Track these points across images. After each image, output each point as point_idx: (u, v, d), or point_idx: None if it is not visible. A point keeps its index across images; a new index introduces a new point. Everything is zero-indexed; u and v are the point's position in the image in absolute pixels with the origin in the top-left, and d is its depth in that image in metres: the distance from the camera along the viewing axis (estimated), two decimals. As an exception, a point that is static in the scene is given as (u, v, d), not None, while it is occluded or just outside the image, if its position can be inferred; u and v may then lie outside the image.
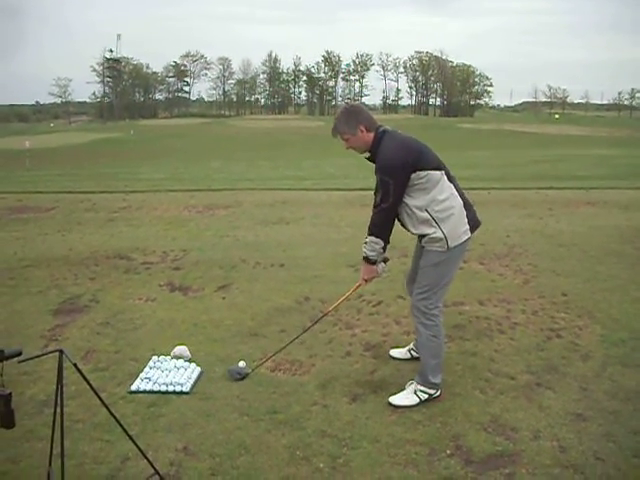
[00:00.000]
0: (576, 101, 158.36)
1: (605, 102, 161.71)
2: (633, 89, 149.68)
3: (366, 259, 4.50)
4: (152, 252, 8.75)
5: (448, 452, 3.81)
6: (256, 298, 6.64)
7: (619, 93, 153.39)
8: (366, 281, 4.67)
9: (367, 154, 4.43)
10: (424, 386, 4.41)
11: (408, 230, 4.48)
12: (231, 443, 3.90)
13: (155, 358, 5.05)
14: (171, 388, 4.58)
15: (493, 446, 3.85)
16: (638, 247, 8.74)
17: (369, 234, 4.41)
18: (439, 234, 4.28)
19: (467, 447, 3.84)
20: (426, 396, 4.39)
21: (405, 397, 4.41)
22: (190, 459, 3.75)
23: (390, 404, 4.35)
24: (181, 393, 4.55)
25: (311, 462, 3.71)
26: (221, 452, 3.81)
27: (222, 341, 5.53)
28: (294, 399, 4.44)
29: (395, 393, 4.47)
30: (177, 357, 5.08)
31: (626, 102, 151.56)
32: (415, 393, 4.41)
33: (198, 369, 4.89)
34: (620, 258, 8.14)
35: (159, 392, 4.56)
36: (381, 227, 4.38)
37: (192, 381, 4.69)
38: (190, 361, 5.03)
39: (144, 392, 4.57)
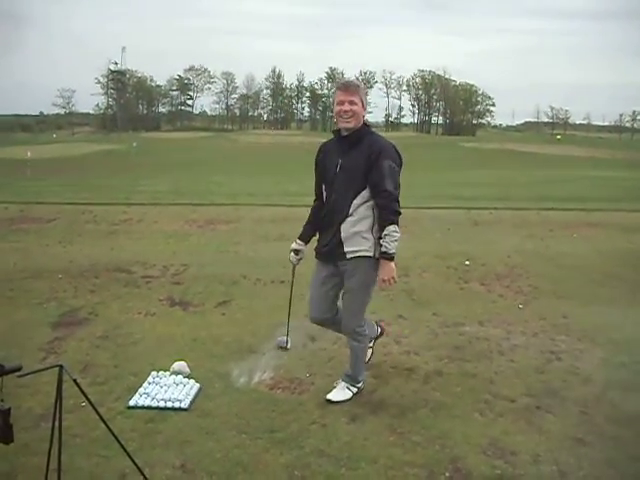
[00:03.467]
0: (578, 122, 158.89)
1: (607, 124, 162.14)
2: (634, 111, 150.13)
3: (390, 256, 4.31)
4: (152, 266, 8.75)
5: (447, 475, 3.77)
6: (256, 314, 6.63)
7: (620, 115, 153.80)
8: (389, 282, 4.41)
9: (346, 132, 4.38)
10: (354, 385, 4.72)
11: (340, 244, 4.42)
12: (229, 461, 3.87)
13: (154, 373, 5.02)
14: (169, 404, 4.55)
15: (492, 469, 3.81)
16: (639, 270, 8.74)
17: (390, 223, 4.27)
18: (372, 250, 4.36)
19: (466, 470, 3.81)
20: (356, 390, 4.71)
21: (339, 394, 4.67)
22: (187, 477, 3.71)
23: (329, 401, 4.61)
24: (179, 409, 4.52)
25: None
26: (219, 470, 3.77)
27: (221, 357, 5.51)
28: (293, 418, 4.41)
29: (395, 414, 4.45)
30: (176, 373, 5.05)
31: (627, 124, 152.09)
32: (348, 389, 4.70)
33: (197, 385, 4.86)
34: (621, 281, 8.15)
35: (157, 408, 4.53)
36: (399, 214, 4.34)
37: (191, 397, 4.66)
38: (189, 377, 5.00)
39: (142, 407, 4.54)
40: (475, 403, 4.67)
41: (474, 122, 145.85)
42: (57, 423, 2.81)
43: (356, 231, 4.34)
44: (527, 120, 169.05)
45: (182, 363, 5.17)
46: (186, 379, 4.94)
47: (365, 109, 4.40)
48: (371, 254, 4.35)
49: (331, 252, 4.47)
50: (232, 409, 4.54)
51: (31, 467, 3.71)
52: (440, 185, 25.49)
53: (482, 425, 4.35)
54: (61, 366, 2.78)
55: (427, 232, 12.05)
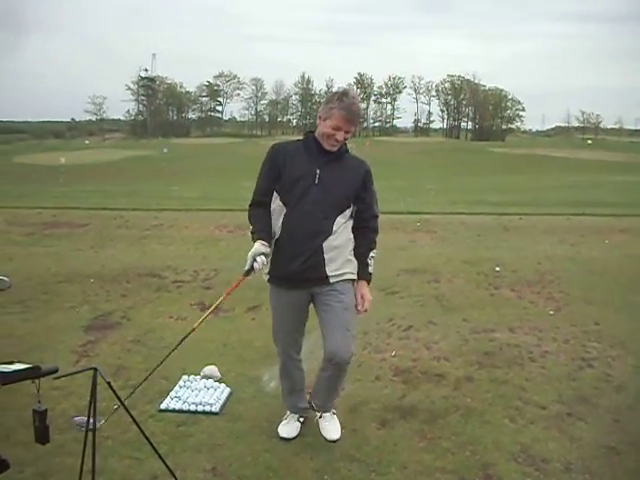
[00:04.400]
0: (609, 126, 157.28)
1: (639, 128, 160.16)
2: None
3: (370, 278, 4.11)
4: (183, 271, 8.81)
5: (478, 481, 3.77)
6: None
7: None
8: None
9: (333, 149, 3.88)
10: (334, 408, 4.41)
11: (321, 265, 3.89)
12: (259, 465, 3.90)
13: (185, 377, 5.08)
14: (200, 408, 4.60)
15: (523, 477, 3.80)
16: (672, 277, 8.63)
17: (374, 247, 4.10)
18: (355, 273, 4.04)
19: (497, 477, 3.79)
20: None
21: (336, 426, 4.32)
22: (218, 480, 3.75)
23: (335, 441, 4.21)
24: (210, 413, 4.56)
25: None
26: (249, 474, 3.80)
27: (252, 362, 5.54)
28: (323, 422, 4.42)
29: (425, 420, 4.45)
30: (207, 377, 5.10)
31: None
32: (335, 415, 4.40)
33: (228, 389, 4.90)
34: (654, 288, 8.04)
35: (188, 411, 4.58)
36: None
37: (221, 401, 4.70)
38: (220, 381, 5.05)
39: (173, 411, 4.59)
40: (506, 409, 4.64)
41: (503, 127, 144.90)
42: (91, 425, 2.84)
43: (341, 252, 3.92)
44: (557, 125, 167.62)
45: (213, 367, 5.22)
46: (217, 383, 4.98)
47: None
48: (355, 277, 4.02)
49: (307, 274, 3.88)
50: (262, 413, 4.56)
51: (66, 467, 3.77)
52: (469, 191, 25.36)
53: (513, 432, 4.33)
54: (95, 369, 2.82)
55: (457, 238, 11.98)
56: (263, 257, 3.78)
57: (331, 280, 3.91)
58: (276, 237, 3.92)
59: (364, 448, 4.09)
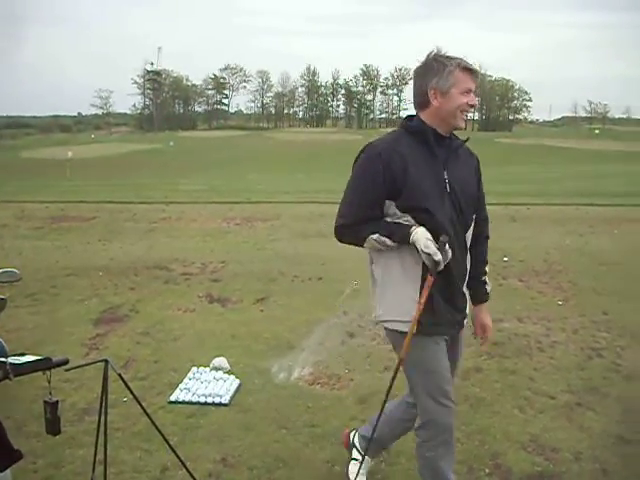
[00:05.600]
0: (617, 116, 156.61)
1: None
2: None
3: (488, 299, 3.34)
4: (191, 263, 8.84)
5: (487, 471, 3.76)
6: (294, 311, 6.66)
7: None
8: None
9: (444, 132, 2.94)
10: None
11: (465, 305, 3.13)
12: (269, 456, 3.91)
13: (194, 369, 5.09)
14: (210, 399, 4.61)
15: (533, 466, 3.79)
16: (681, 266, 8.60)
17: (487, 260, 3.31)
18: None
19: (506, 467, 3.79)
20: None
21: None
22: (228, 470, 3.76)
23: None
24: (220, 405, 4.57)
25: (349, 477, 3.69)
26: (259, 464, 3.81)
27: (261, 353, 5.55)
28: (332, 413, 4.43)
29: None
30: (216, 368, 5.11)
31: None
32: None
33: (237, 381, 4.91)
34: (663, 277, 8.02)
35: (198, 403, 4.59)
36: None
37: (231, 393, 4.71)
38: (229, 373, 5.06)
39: (183, 403, 4.60)
40: (515, 399, 4.64)
41: (510, 118, 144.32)
42: (103, 417, 2.86)
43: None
44: (564, 115, 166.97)
45: (222, 359, 5.23)
46: (226, 375, 4.99)
47: None
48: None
49: (457, 319, 3.06)
50: (272, 404, 4.57)
51: (77, 458, 3.81)
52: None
53: (522, 421, 4.32)
54: (106, 360, 2.83)
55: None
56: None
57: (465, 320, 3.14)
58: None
59: (373, 438, 4.10)
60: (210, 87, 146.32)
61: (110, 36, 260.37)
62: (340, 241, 3.02)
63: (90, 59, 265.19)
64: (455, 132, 3.01)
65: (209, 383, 4.82)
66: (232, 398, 4.67)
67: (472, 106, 2.89)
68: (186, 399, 4.63)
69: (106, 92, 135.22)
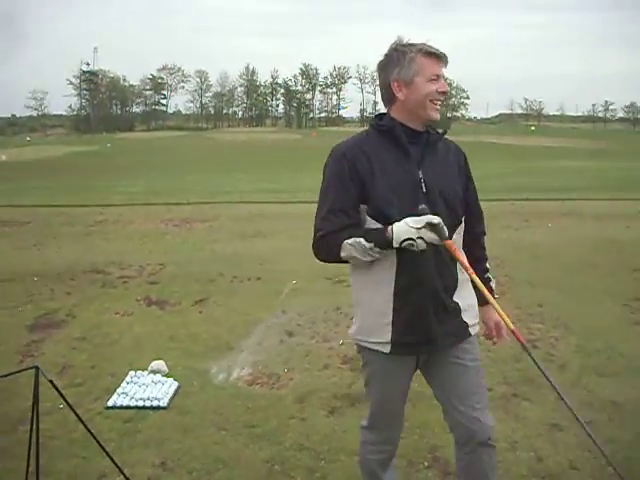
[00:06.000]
0: (552, 113, 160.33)
1: (580, 114, 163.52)
2: (607, 101, 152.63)
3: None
4: (129, 266, 8.72)
5: (426, 464, 3.81)
6: (233, 311, 6.64)
7: (593, 105, 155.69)
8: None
9: (419, 126, 2.66)
10: None
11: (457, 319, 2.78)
12: (208, 458, 3.88)
13: (132, 373, 5.02)
14: (148, 403, 4.55)
15: (470, 457, 3.85)
16: (612, 258, 8.85)
17: (486, 255, 3.10)
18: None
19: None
20: None
21: None
22: (167, 474, 3.71)
23: None
24: (158, 408, 4.52)
25: (289, 476, 3.69)
26: (198, 467, 3.78)
27: (199, 355, 5.51)
28: (272, 413, 4.42)
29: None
30: (154, 372, 5.05)
31: (600, 114, 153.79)
32: None
33: (175, 384, 4.86)
34: (595, 269, 8.24)
35: (136, 407, 4.52)
36: None
37: (169, 396, 4.66)
38: (167, 376, 5.00)
39: (121, 407, 4.53)
40: (453, 393, 4.69)
41: (448, 115, 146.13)
42: (35, 426, 2.80)
43: (471, 292, 2.83)
44: (501, 112, 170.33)
45: (160, 362, 5.17)
46: (164, 378, 4.94)
47: None
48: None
49: (439, 334, 2.68)
50: (211, 406, 4.54)
51: (10, 471, 3.69)
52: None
53: (460, 414, 4.38)
54: (37, 367, 2.77)
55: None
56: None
57: (471, 332, 2.84)
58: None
59: (313, 437, 4.10)
60: (148, 87, 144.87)
61: (45, 35, 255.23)
62: (317, 257, 2.68)
63: (24, 59, 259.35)
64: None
65: (147, 387, 4.76)
66: (170, 401, 4.62)
67: (443, 93, 2.60)
68: (124, 404, 4.56)
69: (41, 93, 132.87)
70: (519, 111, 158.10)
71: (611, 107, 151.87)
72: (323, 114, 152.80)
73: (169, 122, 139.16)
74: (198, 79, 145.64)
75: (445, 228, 2.40)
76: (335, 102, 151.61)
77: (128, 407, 4.53)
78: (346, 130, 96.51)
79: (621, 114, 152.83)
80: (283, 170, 31.75)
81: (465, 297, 2.79)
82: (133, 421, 4.34)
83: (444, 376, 2.86)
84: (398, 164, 2.59)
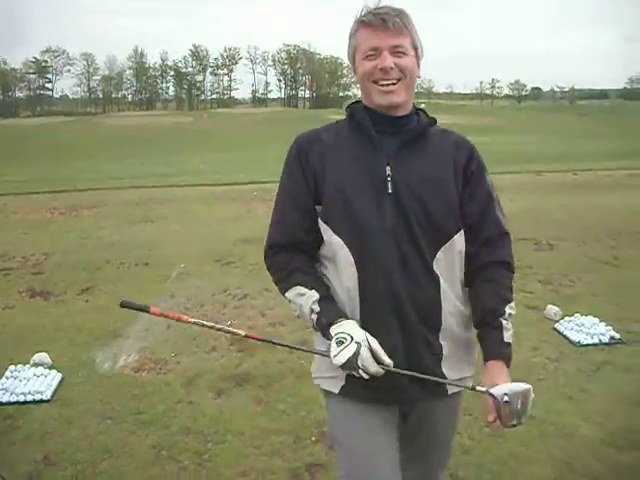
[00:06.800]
0: (441, 91, 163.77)
1: (468, 92, 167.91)
2: (493, 79, 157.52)
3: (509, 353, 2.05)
4: (11, 258, 8.43)
5: (313, 439, 3.87)
6: (120, 298, 6.47)
7: (481, 83, 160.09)
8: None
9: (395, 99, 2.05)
10: None
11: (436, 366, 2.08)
12: (93, 448, 3.81)
13: (12, 367, 4.85)
14: (30, 397, 4.42)
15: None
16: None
17: (510, 297, 2.11)
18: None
19: (331, 434, 3.91)
20: None
21: None
22: (50, 469, 3.63)
23: None
24: (41, 402, 4.40)
25: (176, 460, 3.68)
26: (83, 459, 3.71)
27: (85, 345, 5.39)
28: (158, 398, 4.39)
29: (261, 385, 4.51)
30: (36, 364, 4.91)
31: (487, 92, 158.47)
32: None
33: (59, 375, 4.74)
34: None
35: (17, 402, 4.39)
36: None
37: (53, 388, 4.54)
38: (51, 368, 4.87)
39: (1, 404, 4.39)
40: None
41: (341, 95, 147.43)
42: None
43: (464, 337, 2.15)
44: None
45: (43, 354, 5.03)
46: (47, 370, 4.81)
47: (419, 63, 2.13)
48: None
49: (407, 386, 2.05)
50: (96, 396, 4.47)
51: None
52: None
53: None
54: None
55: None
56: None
57: (449, 391, 2.14)
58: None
59: (200, 420, 4.10)
60: (31, 71, 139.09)
61: None
62: (269, 271, 2.23)
63: None
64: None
65: (28, 381, 4.62)
66: (54, 393, 4.50)
67: (383, 70, 1.99)
68: (3, 400, 4.42)
69: None
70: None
71: (497, 85, 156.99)
72: (215, 96, 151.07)
73: (55, 107, 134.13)
74: (84, 62, 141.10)
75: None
76: (226, 83, 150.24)
77: (8, 403, 4.39)
78: (238, 111, 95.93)
79: (507, 91, 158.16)
80: (174, 153, 31.24)
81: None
82: (13, 417, 4.21)
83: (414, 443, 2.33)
84: (361, 157, 2.07)
